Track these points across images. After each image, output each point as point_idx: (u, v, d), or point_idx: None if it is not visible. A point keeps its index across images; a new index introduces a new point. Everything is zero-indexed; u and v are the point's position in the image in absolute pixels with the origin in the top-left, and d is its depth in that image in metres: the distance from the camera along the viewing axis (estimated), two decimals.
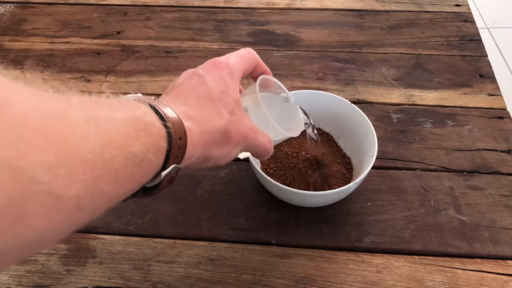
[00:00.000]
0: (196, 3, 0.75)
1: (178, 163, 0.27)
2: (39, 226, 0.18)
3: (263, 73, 0.39)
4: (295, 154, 0.49)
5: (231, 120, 0.31)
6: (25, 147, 0.17)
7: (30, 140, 0.17)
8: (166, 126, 0.25)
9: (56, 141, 0.19)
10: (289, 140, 0.50)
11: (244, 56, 0.36)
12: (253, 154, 0.36)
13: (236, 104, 0.32)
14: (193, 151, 0.28)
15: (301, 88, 0.60)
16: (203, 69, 0.33)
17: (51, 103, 0.20)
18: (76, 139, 0.19)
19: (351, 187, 0.43)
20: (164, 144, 0.25)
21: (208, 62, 0.34)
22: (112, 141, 0.21)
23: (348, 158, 0.50)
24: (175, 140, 0.26)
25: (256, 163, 0.45)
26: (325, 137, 0.52)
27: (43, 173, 0.18)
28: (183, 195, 0.49)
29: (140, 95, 0.27)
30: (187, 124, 0.28)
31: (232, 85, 0.33)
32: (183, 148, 0.27)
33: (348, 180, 0.47)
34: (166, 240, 0.45)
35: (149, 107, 0.26)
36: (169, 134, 0.25)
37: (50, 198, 0.18)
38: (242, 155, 0.36)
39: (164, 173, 0.26)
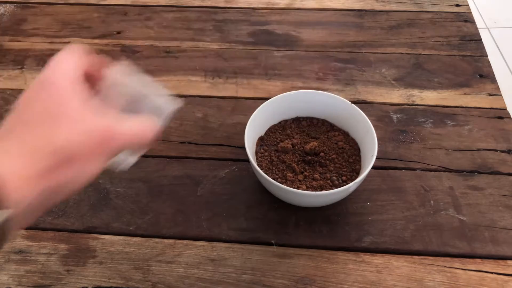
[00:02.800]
0: (196, 3, 0.75)
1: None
2: None
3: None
4: (295, 149, 0.49)
5: (65, 133, 0.26)
6: None
7: None
8: None
9: None
10: (288, 134, 0.51)
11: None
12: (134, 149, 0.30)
13: (73, 111, 0.27)
14: (26, 187, 0.24)
15: (301, 88, 0.60)
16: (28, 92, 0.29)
17: None
18: None
19: (351, 187, 0.43)
20: None
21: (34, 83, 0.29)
22: None
23: None
24: None
25: (255, 163, 0.45)
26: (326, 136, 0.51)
27: None
28: (183, 195, 0.49)
29: None
30: (6, 164, 0.24)
31: (60, 94, 0.27)
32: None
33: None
34: (166, 240, 0.45)
35: None
36: None
37: None
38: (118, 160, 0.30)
39: None
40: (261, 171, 0.43)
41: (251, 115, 0.49)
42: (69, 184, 0.26)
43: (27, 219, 0.25)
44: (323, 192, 0.43)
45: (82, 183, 0.27)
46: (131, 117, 0.29)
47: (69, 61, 0.29)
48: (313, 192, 0.43)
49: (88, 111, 0.27)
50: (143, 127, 0.29)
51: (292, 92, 0.51)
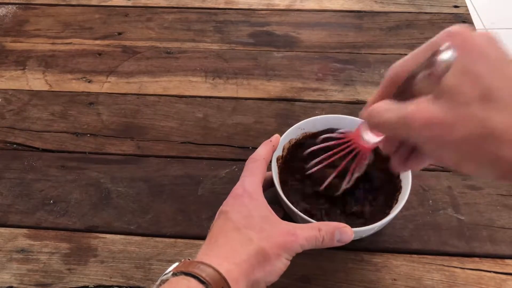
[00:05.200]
0: (197, 5, 0.76)
1: None
2: None
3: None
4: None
5: (261, 238, 0.33)
6: None
7: None
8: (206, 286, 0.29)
9: None
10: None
11: (252, 169, 0.39)
12: (318, 248, 0.36)
13: (263, 220, 0.34)
14: (237, 285, 0.30)
15: (300, 88, 0.61)
16: (227, 204, 0.36)
17: None
18: None
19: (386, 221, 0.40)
20: None
21: (230, 196, 0.37)
22: None
23: None
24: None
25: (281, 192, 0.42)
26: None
27: None
28: (183, 194, 0.49)
29: (175, 264, 0.32)
30: (224, 267, 0.30)
31: (254, 205, 0.35)
32: None
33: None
34: (167, 239, 0.46)
35: (189, 276, 0.30)
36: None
37: None
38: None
39: None
40: (292, 206, 0.40)
41: (251, 115, 0.49)
42: (267, 278, 0.33)
43: None
44: (361, 228, 0.39)
45: (275, 278, 0.33)
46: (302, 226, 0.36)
47: (252, 179, 0.37)
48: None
49: (276, 218, 0.35)
50: (315, 228, 0.35)
51: (319, 117, 0.48)
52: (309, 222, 0.39)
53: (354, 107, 0.58)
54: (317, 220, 0.40)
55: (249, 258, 0.32)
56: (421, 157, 0.32)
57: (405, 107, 0.26)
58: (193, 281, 0.29)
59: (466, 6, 0.74)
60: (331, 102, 0.59)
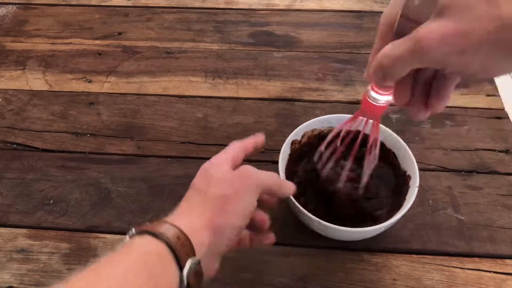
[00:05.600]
0: (197, 5, 0.76)
1: (194, 255, 0.30)
2: None
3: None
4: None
5: (218, 187, 0.34)
6: None
7: None
8: (160, 239, 0.29)
9: None
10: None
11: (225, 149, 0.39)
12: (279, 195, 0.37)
13: (223, 176, 0.35)
14: (201, 234, 0.31)
15: (300, 88, 0.61)
16: (194, 180, 0.36)
17: None
18: None
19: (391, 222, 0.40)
20: (166, 252, 0.28)
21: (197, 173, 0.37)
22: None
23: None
24: (174, 242, 0.29)
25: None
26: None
27: None
28: (183, 194, 0.49)
29: (132, 230, 0.31)
30: (182, 222, 0.31)
31: (215, 169, 0.36)
32: (186, 241, 0.30)
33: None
34: None
35: (144, 234, 0.29)
36: (166, 242, 0.29)
37: None
38: None
39: (184, 273, 0.28)
40: (300, 206, 0.40)
41: (251, 115, 0.49)
42: (229, 222, 0.33)
43: (206, 268, 0.31)
44: (370, 228, 0.39)
45: (239, 221, 0.33)
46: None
47: (228, 153, 0.38)
48: (361, 229, 0.40)
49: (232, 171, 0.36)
50: (276, 177, 0.37)
51: (330, 116, 0.48)
52: (315, 220, 0.39)
53: (354, 107, 0.58)
54: (321, 218, 0.40)
55: (207, 207, 0.33)
56: (442, 91, 0.31)
57: (413, 35, 0.26)
58: (148, 237, 0.29)
59: None
60: (331, 102, 0.59)
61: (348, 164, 0.42)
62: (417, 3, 0.28)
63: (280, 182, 0.38)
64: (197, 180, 0.36)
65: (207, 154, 0.53)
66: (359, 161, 0.42)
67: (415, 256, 0.44)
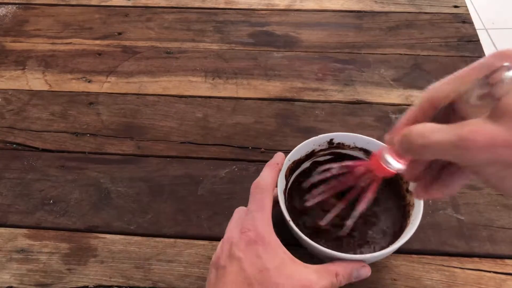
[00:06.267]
0: (197, 5, 0.76)
1: None
2: None
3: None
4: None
5: None
6: None
7: None
8: None
9: None
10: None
11: (261, 201, 0.37)
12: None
13: (278, 272, 0.33)
14: None
15: (300, 88, 0.61)
16: (239, 248, 0.34)
17: None
18: None
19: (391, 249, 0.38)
20: None
21: (241, 239, 0.35)
22: None
23: None
24: None
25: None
26: None
27: None
28: (183, 194, 0.50)
29: None
30: None
31: (268, 254, 0.34)
32: None
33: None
34: (166, 239, 0.46)
35: None
36: None
37: None
38: None
39: None
40: (298, 231, 0.38)
41: (251, 115, 0.49)
42: None
43: None
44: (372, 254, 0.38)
45: None
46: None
47: (268, 210, 0.37)
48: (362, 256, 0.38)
49: (291, 264, 0.34)
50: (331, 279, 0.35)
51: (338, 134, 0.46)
52: (323, 252, 0.37)
53: (354, 107, 0.58)
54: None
55: None
56: (449, 182, 0.30)
57: (460, 127, 0.24)
58: None
59: (466, 6, 0.74)
60: (331, 102, 0.59)
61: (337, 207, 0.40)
62: (473, 103, 0.26)
63: (338, 285, 0.35)
64: (248, 265, 0.33)
65: (207, 154, 0.53)
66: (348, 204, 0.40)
67: (415, 256, 0.44)
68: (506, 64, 0.25)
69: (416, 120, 0.29)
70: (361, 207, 0.38)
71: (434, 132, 0.25)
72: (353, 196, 0.39)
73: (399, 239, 0.39)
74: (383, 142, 0.37)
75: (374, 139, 0.44)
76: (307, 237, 0.38)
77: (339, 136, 0.45)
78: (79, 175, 0.52)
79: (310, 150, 0.45)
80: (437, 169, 0.31)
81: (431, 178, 0.31)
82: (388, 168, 0.34)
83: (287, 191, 0.44)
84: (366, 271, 0.36)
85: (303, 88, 0.61)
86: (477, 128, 0.23)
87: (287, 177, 0.44)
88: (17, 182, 0.51)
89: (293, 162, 0.45)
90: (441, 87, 0.28)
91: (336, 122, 0.56)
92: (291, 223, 0.39)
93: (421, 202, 0.40)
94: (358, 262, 0.36)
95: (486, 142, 0.23)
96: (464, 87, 0.26)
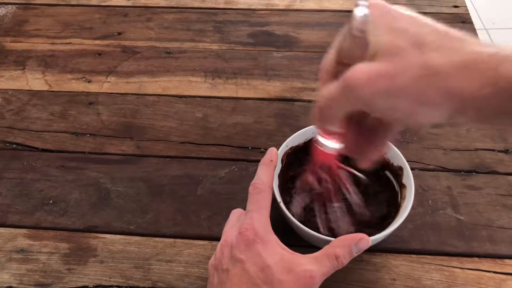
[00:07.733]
0: (196, 5, 0.76)
1: None
2: None
3: None
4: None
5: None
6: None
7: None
8: None
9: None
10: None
11: (258, 202, 0.37)
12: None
13: (279, 268, 0.33)
14: None
15: (300, 88, 0.61)
16: (239, 250, 0.34)
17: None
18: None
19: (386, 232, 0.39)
20: None
21: (241, 239, 0.35)
22: None
23: None
24: None
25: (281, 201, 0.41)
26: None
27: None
28: (183, 194, 0.50)
29: None
30: None
31: (268, 251, 0.34)
32: None
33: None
34: (166, 239, 0.46)
35: None
36: None
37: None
38: None
39: None
40: (289, 215, 0.39)
41: (250, 115, 0.49)
42: None
43: None
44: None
45: None
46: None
47: (266, 210, 0.36)
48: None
49: (290, 258, 0.34)
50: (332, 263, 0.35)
51: None
52: (317, 237, 0.38)
53: None
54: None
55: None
56: (380, 141, 0.33)
57: (343, 76, 0.27)
58: None
59: (466, 6, 0.74)
60: None
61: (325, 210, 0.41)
62: (347, 47, 0.28)
63: (340, 266, 0.35)
64: (250, 265, 0.33)
65: (206, 154, 0.53)
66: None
67: (414, 256, 0.44)
68: (359, 1, 0.27)
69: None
70: (353, 199, 0.39)
71: (327, 89, 0.28)
72: (334, 194, 0.39)
73: (393, 223, 0.40)
74: None
75: None
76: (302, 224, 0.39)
77: None
78: (79, 175, 0.52)
79: (308, 138, 0.47)
80: (366, 136, 0.33)
81: (366, 145, 0.33)
82: (328, 151, 0.35)
83: (280, 173, 0.45)
84: (366, 243, 0.35)
85: (303, 88, 0.61)
86: (355, 69, 0.26)
87: (283, 162, 0.45)
88: (17, 182, 0.51)
89: (291, 148, 0.46)
90: (328, 54, 0.32)
91: None
92: (282, 205, 0.40)
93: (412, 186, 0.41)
94: (354, 236, 0.35)
95: (364, 78, 0.26)
96: (337, 41, 0.30)
